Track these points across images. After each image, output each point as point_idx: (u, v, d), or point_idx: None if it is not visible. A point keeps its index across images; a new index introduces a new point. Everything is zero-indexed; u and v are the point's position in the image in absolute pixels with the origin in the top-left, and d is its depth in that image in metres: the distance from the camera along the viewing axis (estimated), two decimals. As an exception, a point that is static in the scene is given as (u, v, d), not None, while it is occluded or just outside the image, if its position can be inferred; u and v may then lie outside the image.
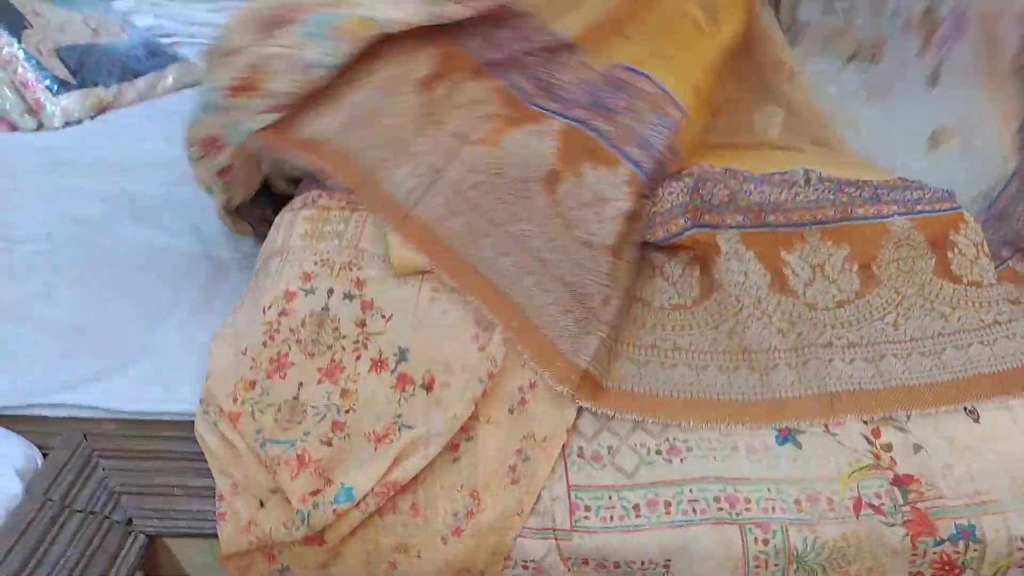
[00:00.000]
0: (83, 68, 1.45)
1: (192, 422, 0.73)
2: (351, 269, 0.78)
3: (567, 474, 0.70)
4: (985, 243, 0.79)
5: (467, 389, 0.71)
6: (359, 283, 0.78)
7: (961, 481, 0.69)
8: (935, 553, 0.67)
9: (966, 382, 0.74)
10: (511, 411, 0.72)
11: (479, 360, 0.73)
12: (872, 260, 0.78)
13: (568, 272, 0.76)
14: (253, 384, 0.71)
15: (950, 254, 0.78)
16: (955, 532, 0.67)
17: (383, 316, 0.76)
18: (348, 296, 0.77)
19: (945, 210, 0.80)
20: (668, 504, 0.69)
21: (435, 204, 0.79)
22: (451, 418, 0.69)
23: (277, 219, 0.84)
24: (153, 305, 0.90)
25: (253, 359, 0.72)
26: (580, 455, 0.71)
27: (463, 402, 0.70)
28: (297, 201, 0.84)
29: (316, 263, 0.78)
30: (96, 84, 1.44)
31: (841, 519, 0.67)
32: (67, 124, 1.37)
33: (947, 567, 0.67)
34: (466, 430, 0.71)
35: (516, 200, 0.78)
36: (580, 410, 0.73)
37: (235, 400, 0.70)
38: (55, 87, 1.37)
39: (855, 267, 0.79)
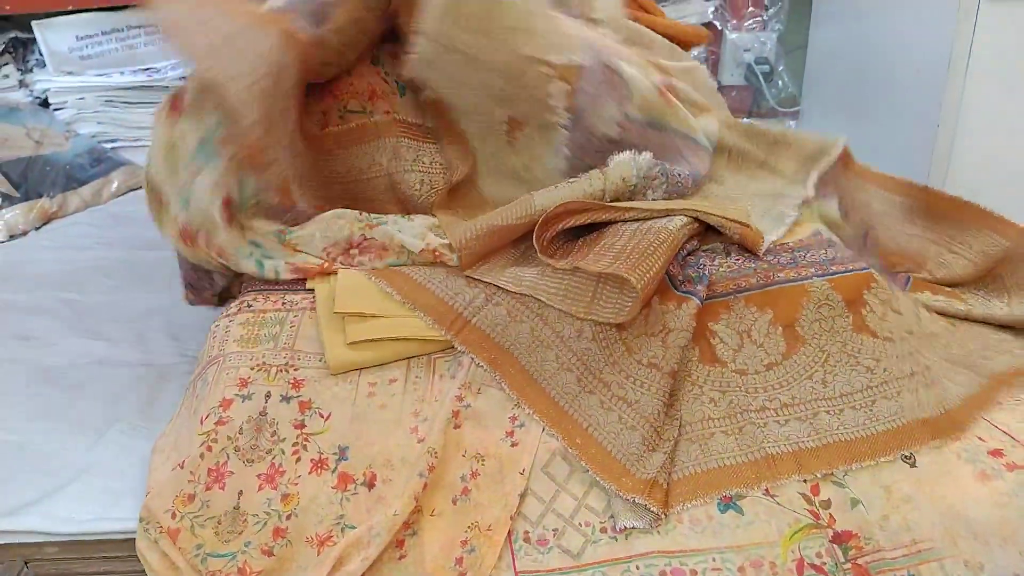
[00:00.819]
0: (27, 181, 1.46)
1: (135, 539, 0.72)
2: (288, 371, 0.79)
3: (514, 561, 0.70)
4: (893, 300, 0.83)
5: (408, 484, 0.71)
6: (296, 384, 0.78)
7: (898, 532, 0.70)
8: (879, 608, 0.67)
9: (901, 431, 0.75)
10: (454, 501, 0.73)
11: (419, 453, 0.73)
12: (795, 321, 0.81)
13: (631, 392, 0.77)
14: (192, 498, 0.71)
15: (864, 311, 0.81)
16: (896, 585, 0.68)
17: (322, 415, 0.77)
18: (286, 398, 0.77)
19: (857, 270, 0.84)
20: (616, 583, 0.69)
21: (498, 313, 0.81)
22: (392, 516, 0.69)
23: (213, 326, 0.85)
24: (95, 419, 0.89)
25: (191, 472, 0.72)
26: (526, 539, 0.71)
27: (403, 499, 0.70)
28: (233, 307, 0.85)
29: (252, 368, 0.79)
30: (40, 195, 1.46)
31: (785, 583, 0.68)
32: (12, 237, 1.38)
33: (892, 620, 0.68)
34: (410, 525, 0.71)
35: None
36: (524, 495, 0.73)
37: (174, 516, 0.70)
38: (-2, 202, 1.38)
39: (780, 329, 0.81)
